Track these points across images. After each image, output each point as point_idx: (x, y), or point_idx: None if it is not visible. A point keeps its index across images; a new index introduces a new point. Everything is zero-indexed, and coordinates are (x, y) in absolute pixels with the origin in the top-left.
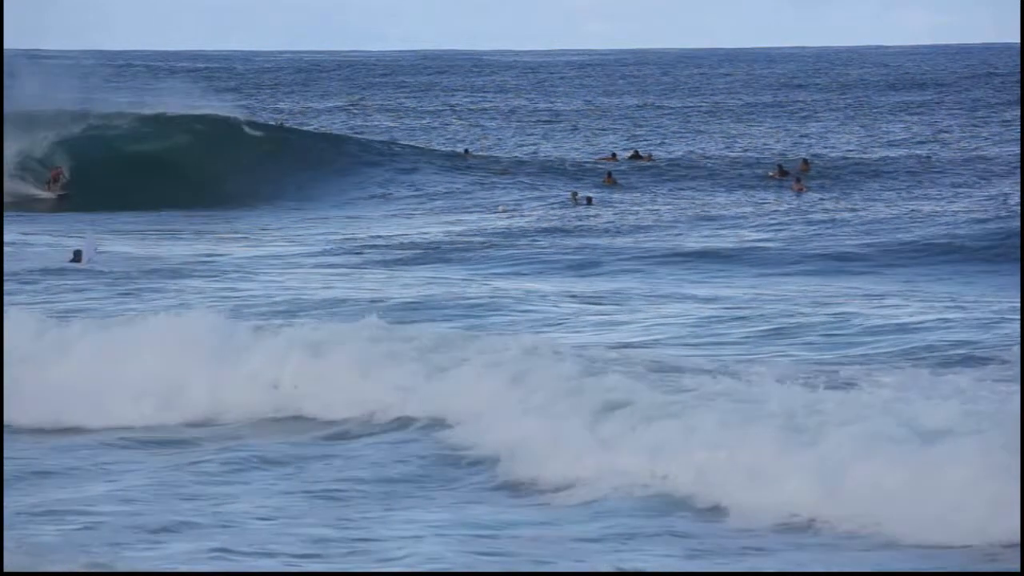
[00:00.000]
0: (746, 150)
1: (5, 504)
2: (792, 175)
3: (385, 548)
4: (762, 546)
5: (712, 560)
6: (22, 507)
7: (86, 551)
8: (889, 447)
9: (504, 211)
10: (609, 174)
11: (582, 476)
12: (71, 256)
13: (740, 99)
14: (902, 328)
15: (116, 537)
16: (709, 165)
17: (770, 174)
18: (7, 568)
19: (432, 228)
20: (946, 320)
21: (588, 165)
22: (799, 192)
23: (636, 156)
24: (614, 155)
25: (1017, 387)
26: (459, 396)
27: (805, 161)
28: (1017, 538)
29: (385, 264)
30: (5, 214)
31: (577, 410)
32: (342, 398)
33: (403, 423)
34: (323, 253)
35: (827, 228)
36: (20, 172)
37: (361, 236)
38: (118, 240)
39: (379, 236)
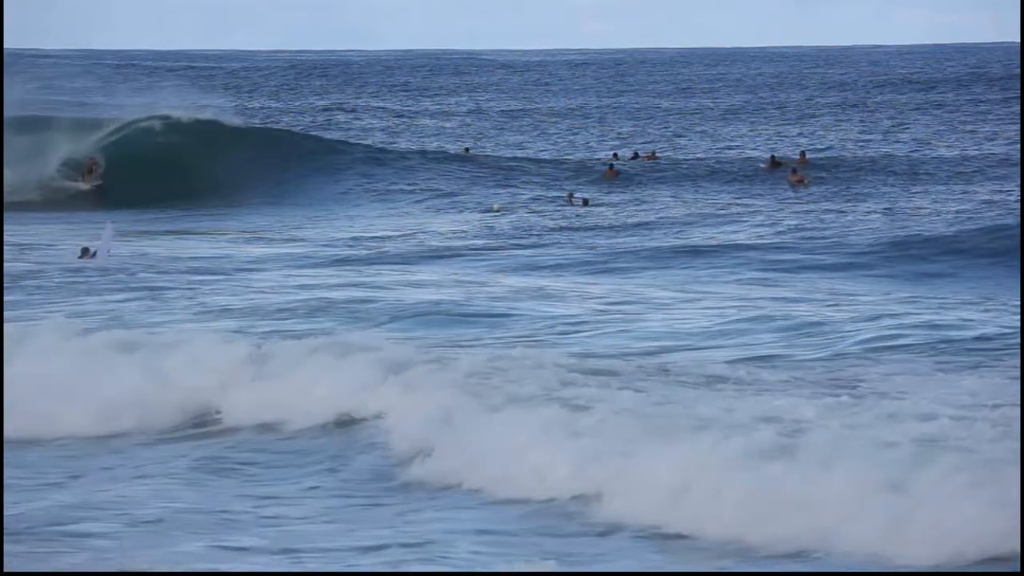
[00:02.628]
0: (744, 147)
1: (44, 505)
2: (786, 166)
3: (432, 548)
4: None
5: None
6: (65, 505)
7: (142, 551)
8: (846, 464)
9: (498, 209)
10: (611, 166)
11: (579, 484)
12: (79, 253)
13: (738, 98)
14: (927, 325)
15: (167, 536)
16: (708, 162)
17: (761, 166)
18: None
19: (438, 227)
20: (966, 319)
21: (588, 164)
22: (797, 183)
23: (635, 157)
24: (615, 155)
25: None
26: (422, 403)
27: (803, 153)
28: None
29: (395, 264)
30: (20, 214)
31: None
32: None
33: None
34: (332, 252)
35: (830, 224)
36: (56, 167)
37: (367, 235)
38: (126, 239)
39: (385, 235)
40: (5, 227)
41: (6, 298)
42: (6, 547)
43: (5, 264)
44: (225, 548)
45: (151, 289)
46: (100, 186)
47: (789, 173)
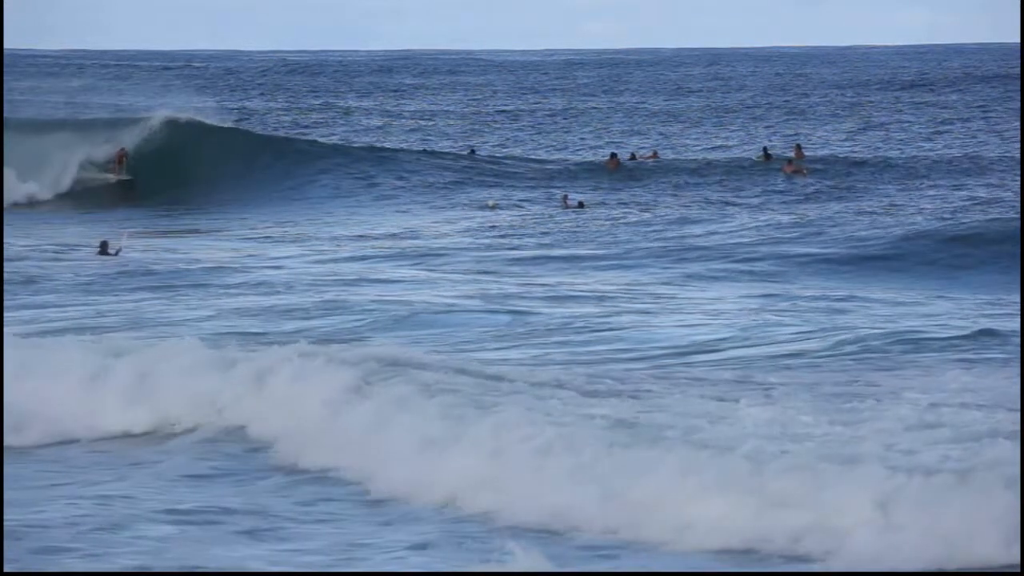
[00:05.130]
0: (741, 145)
1: (92, 507)
2: (776, 159)
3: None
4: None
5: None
6: (115, 506)
7: (197, 551)
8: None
9: (493, 206)
10: (613, 156)
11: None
12: (98, 248)
13: (735, 97)
14: (943, 325)
15: (219, 536)
16: (705, 160)
17: (755, 159)
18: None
19: (440, 226)
20: (976, 317)
21: (585, 164)
22: (792, 174)
23: (633, 158)
24: (614, 155)
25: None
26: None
27: (798, 146)
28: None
29: (403, 261)
30: (29, 214)
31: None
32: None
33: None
34: (340, 251)
35: (830, 220)
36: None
37: (371, 234)
38: (138, 240)
39: (389, 233)
40: (19, 226)
41: (22, 298)
42: (60, 546)
43: (20, 262)
44: (278, 550)
45: (167, 288)
46: (127, 179)
47: (784, 165)
